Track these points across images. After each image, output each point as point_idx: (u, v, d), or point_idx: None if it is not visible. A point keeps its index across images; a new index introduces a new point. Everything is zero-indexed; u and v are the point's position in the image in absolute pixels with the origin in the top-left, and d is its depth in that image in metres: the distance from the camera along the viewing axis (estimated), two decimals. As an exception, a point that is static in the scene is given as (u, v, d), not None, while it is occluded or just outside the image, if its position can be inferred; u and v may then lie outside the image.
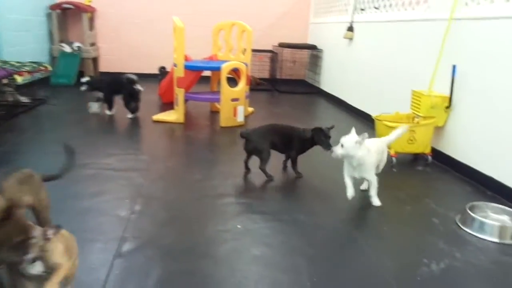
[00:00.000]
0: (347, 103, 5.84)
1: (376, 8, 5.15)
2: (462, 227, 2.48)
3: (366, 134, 2.51)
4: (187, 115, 4.91)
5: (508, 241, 2.34)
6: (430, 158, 3.64)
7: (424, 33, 3.99)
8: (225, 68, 4.55)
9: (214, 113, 5.23)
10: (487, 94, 3.12)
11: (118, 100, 4.83)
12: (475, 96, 3.26)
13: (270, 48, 7.68)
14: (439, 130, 3.63)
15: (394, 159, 3.55)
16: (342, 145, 2.54)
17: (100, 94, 4.85)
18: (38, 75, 5.72)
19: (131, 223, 2.32)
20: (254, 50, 5.93)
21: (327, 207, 2.70)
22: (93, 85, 4.87)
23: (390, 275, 2.00)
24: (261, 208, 2.61)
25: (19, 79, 5.00)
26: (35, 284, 1.39)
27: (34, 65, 5.18)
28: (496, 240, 2.35)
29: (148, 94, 6.09)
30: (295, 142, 3.08)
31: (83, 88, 4.81)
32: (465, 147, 3.37)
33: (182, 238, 2.21)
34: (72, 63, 6.85)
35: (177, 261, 1.99)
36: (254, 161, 3.10)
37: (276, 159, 3.21)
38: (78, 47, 7.02)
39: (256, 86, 7.03)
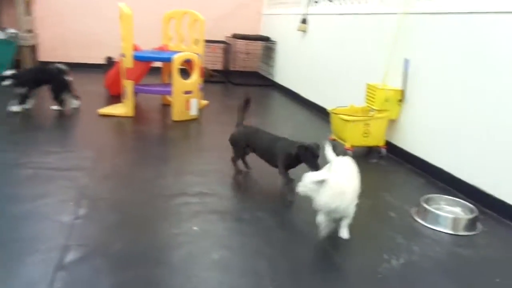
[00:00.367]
0: (302, 97, 5.82)
1: (329, 0, 5.15)
2: (417, 220, 2.51)
3: (325, 177, 2.02)
4: (136, 108, 4.65)
5: (461, 233, 2.39)
6: (384, 151, 3.69)
7: (377, 26, 4.02)
8: (177, 59, 4.34)
9: (166, 106, 5.01)
10: (439, 87, 3.19)
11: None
12: (427, 90, 3.32)
13: (223, 39, 7.50)
14: (392, 123, 3.69)
15: (350, 152, 3.55)
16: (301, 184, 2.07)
17: (24, 90, 4.17)
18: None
19: (75, 229, 2.11)
20: (206, 41, 5.73)
21: (289, 205, 2.63)
22: (19, 79, 4.13)
23: (353, 273, 1.96)
24: (218, 207, 2.49)
25: None
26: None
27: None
28: (450, 231, 2.40)
29: (93, 86, 5.73)
30: (279, 155, 2.70)
31: (7, 82, 4.07)
32: (417, 140, 3.44)
33: (133, 243, 2.03)
34: (5, 51, 6.27)
35: (128, 270, 1.82)
36: (214, 156, 2.97)
37: (230, 154, 3.09)
38: (13, 33, 6.43)
39: (209, 78, 6.84)
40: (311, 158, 2.53)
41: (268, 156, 2.82)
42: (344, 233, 2.23)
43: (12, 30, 6.44)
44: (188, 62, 4.70)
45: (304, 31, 5.74)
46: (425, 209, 2.51)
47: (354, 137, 3.57)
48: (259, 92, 6.61)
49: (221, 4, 7.51)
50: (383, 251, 2.14)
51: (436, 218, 2.46)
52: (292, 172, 2.69)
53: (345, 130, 3.57)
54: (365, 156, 3.69)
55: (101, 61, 6.20)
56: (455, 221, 2.43)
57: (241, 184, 2.92)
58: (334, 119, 3.75)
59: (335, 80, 4.85)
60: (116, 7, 4.44)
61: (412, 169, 3.40)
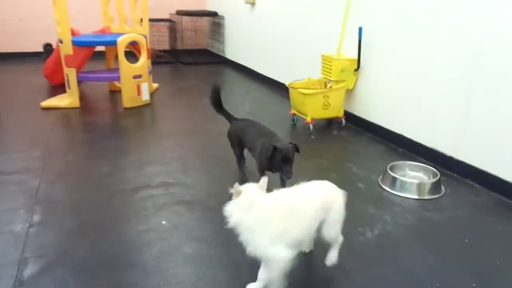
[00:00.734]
0: (256, 72, 5.71)
1: (276, -30, 4.99)
2: (385, 188, 2.54)
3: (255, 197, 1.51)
4: (82, 98, 4.34)
5: (426, 197, 2.45)
6: (343, 121, 3.70)
7: (327, -5, 3.95)
8: (122, 42, 4.06)
9: (114, 93, 4.72)
10: (393, 54, 3.20)
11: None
12: (381, 57, 3.33)
13: (167, 16, 7.16)
14: (349, 93, 3.69)
15: (311, 126, 3.53)
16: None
17: None
18: None
19: (30, 239, 1.93)
20: (150, 20, 5.44)
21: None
22: None
23: (330, 251, 1.94)
24: (185, 197, 2.37)
25: None
26: None
27: None
28: (416, 197, 2.45)
29: (32, 76, 5.28)
30: (256, 156, 2.38)
31: None
32: (375, 108, 3.47)
33: (98, 247, 1.89)
34: None
35: (97, 278, 1.69)
36: (172, 143, 2.81)
37: (189, 139, 2.97)
38: None
39: (157, 59, 6.54)
40: (282, 163, 2.14)
41: (251, 149, 2.46)
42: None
43: None
44: (133, 44, 4.42)
45: (252, 3, 5.57)
46: (391, 177, 2.54)
47: (314, 110, 3.54)
48: (211, 70, 6.41)
49: (162, -21, 7.12)
50: (357, 223, 2.14)
51: (402, 185, 2.50)
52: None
53: (305, 103, 3.53)
54: (326, 128, 3.68)
55: (38, 48, 5.72)
56: (421, 186, 2.48)
57: (206, 170, 2.80)
58: (292, 93, 3.69)
59: (290, 52, 4.77)
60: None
61: (372, 137, 3.43)
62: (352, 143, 3.37)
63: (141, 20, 4.74)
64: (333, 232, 1.66)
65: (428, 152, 2.91)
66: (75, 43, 4.03)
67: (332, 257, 1.72)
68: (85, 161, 2.90)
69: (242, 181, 2.33)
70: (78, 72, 4.18)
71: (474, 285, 1.69)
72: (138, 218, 2.14)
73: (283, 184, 2.32)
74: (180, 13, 6.83)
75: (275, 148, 2.15)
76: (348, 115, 3.72)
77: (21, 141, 3.26)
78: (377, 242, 1.99)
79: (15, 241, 1.90)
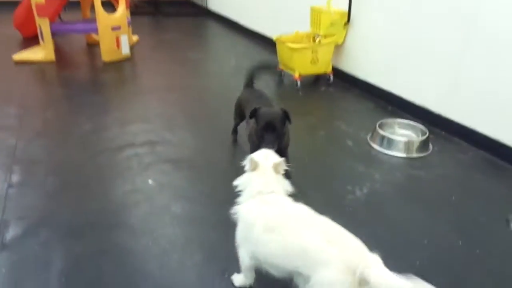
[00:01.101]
0: (241, 25, 5.48)
1: None
2: (374, 146, 2.53)
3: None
4: (58, 51, 4.10)
5: (414, 155, 2.45)
6: (331, 77, 3.62)
7: None
8: (98, -10, 3.79)
9: (92, 46, 4.48)
10: (384, 8, 3.08)
11: None
12: (372, 10, 3.20)
13: (146, -37, 6.73)
14: (338, 48, 3.58)
15: (298, 82, 3.45)
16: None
17: None
18: None
19: (10, 200, 1.85)
20: (128, -33, 5.08)
21: (244, 146, 2.46)
22: None
23: (321, 210, 1.93)
24: (171, 155, 2.31)
25: None
26: None
27: None
28: (404, 155, 2.44)
29: (1, 27, 4.96)
30: (248, 133, 2.04)
31: None
32: (364, 64, 3.39)
33: (83, 209, 1.83)
34: None
35: (82, 240, 1.64)
36: (156, 99, 2.70)
37: (172, 95, 2.86)
38: None
39: (136, 9, 6.20)
40: (261, 128, 1.76)
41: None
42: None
43: None
44: (111, -7, 4.15)
45: (236, -50, 5.25)
46: (380, 135, 2.52)
47: (302, 65, 3.44)
48: (194, 22, 6.14)
49: None
50: (346, 182, 2.13)
51: (390, 143, 2.49)
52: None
53: (293, 58, 3.42)
54: (314, 85, 3.60)
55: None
56: (409, 144, 2.47)
57: (191, 127, 2.72)
58: (280, 48, 3.57)
59: (277, 4, 4.56)
60: None
61: (360, 94, 3.38)
62: (340, 100, 3.32)
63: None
64: None
65: (417, 110, 2.89)
66: (47, -9, 3.75)
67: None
68: (65, 119, 2.78)
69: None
70: (51, 22, 3.92)
71: (460, 242, 1.72)
72: (124, 178, 2.08)
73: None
74: (159, -41, 6.43)
75: (255, 110, 1.78)
76: (336, 71, 3.64)
77: (-6, 97, 3.09)
78: (366, 201, 1.99)
79: (-6, 203, 1.83)
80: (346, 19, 3.41)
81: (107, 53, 3.96)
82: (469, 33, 2.45)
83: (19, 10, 4.61)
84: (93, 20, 3.95)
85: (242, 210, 1.35)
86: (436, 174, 2.27)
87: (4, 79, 3.47)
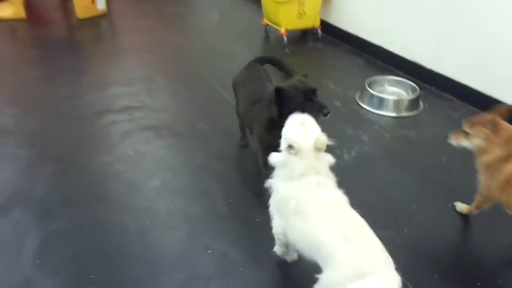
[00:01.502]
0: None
1: None
2: (362, 105, 2.44)
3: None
4: (28, 7, 3.82)
5: (404, 114, 2.37)
6: (319, 31, 3.45)
7: None
8: None
9: (66, 1, 4.17)
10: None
11: None
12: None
13: None
14: (326, 0, 3.38)
15: (285, 38, 3.28)
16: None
17: None
18: None
19: (-20, 176, 1.76)
20: None
21: (230, 110, 2.34)
22: None
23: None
24: (151, 122, 2.20)
25: None
26: None
27: None
28: (394, 114, 2.36)
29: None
30: (254, 127, 1.71)
31: None
32: (355, 18, 3.22)
33: (58, 183, 1.74)
34: None
35: (59, 217, 1.57)
36: (135, 60, 2.54)
37: (152, 55, 2.69)
38: None
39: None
40: (299, 102, 1.54)
41: (245, 123, 1.85)
42: None
43: None
44: None
45: None
46: (369, 94, 2.43)
47: (289, 19, 3.25)
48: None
49: None
50: (334, 146, 2.04)
51: (380, 102, 2.40)
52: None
53: (279, 12, 3.22)
54: (301, 40, 3.43)
55: None
56: (399, 103, 2.38)
57: (172, 90, 2.58)
58: (265, 1, 3.36)
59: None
60: None
61: (350, 49, 3.23)
62: (329, 57, 3.18)
63: None
64: None
65: (408, 65, 2.77)
66: None
67: None
68: (37, 83, 2.61)
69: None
70: (18, -24, 3.62)
71: (450, 205, 1.69)
72: (101, 147, 1.98)
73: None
74: None
75: (279, 90, 1.48)
76: (325, 25, 3.46)
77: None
78: (355, 164, 1.94)
79: (-37, 179, 1.73)
80: (334, -33, 3.19)
81: (81, 9, 3.70)
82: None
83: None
84: (63, -28, 3.66)
85: (280, 187, 1.28)
86: (426, 133, 2.21)
87: (-29, 40, 3.24)
